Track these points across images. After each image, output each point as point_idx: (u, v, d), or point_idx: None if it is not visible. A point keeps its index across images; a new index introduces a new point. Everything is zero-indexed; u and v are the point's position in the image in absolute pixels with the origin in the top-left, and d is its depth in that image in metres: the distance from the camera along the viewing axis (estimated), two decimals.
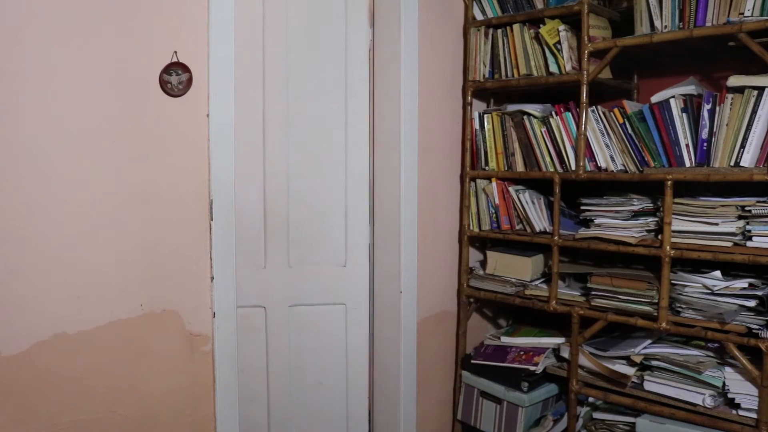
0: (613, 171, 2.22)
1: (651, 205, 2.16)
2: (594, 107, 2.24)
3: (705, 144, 1.99)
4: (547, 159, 2.37)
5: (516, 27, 2.40)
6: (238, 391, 1.99)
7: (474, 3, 2.52)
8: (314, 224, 2.41)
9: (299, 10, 2.31)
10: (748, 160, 1.91)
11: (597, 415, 2.27)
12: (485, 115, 2.52)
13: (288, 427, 2.38)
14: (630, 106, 2.17)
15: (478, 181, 2.56)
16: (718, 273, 1.99)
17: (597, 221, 2.25)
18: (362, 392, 2.43)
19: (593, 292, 2.24)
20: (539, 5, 2.37)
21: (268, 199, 2.34)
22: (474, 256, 2.69)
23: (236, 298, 2.10)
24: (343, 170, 2.40)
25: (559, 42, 2.28)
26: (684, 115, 2.03)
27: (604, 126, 2.22)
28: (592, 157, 2.25)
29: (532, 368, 2.37)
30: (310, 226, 2.41)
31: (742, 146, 1.91)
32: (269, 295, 2.34)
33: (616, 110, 2.19)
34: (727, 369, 1.97)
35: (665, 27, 2.08)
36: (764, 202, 1.90)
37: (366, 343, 2.42)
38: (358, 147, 2.37)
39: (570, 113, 2.30)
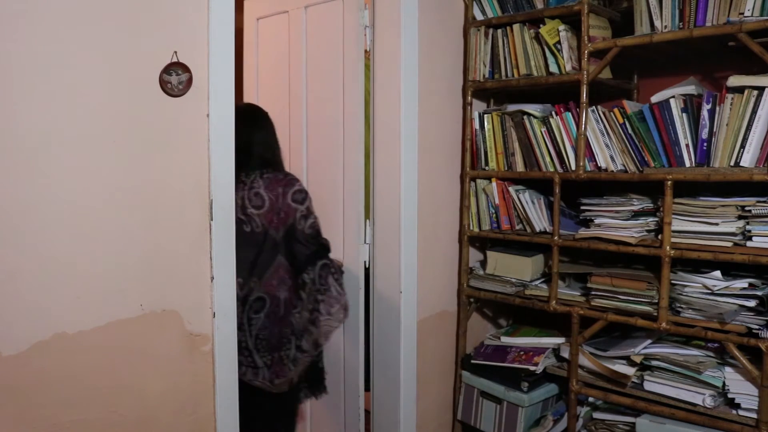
0: (613, 171, 2.22)
1: (651, 205, 2.16)
2: (594, 107, 2.24)
3: (705, 144, 1.99)
4: (547, 159, 2.37)
5: (516, 27, 2.40)
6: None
7: (474, 3, 2.52)
8: (326, 219, 2.44)
9: (313, 31, 2.46)
10: (748, 160, 1.91)
11: (597, 415, 2.27)
12: (485, 115, 2.52)
13: None
14: (630, 106, 2.17)
15: (478, 181, 2.56)
16: (718, 273, 1.99)
17: (597, 221, 2.25)
18: (354, 400, 2.43)
19: (593, 292, 2.24)
20: (539, 5, 2.37)
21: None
22: (474, 256, 2.69)
23: None
24: (341, 169, 2.40)
25: (559, 42, 2.28)
26: (684, 115, 2.03)
27: (604, 126, 2.22)
28: (592, 157, 2.25)
29: (532, 368, 2.37)
30: (324, 221, 2.44)
31: (742, 146, 1.91)
32: None
33: (616, 110, 2.19)
34: (727, 369, 1.97)
35: (665, 27, 2.08)
36: (764, 202, 1.90)
37: (357, 343, 2.41)
38: (353, 145, 2.37)
39: (570, 113, 2.30)
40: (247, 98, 2.76)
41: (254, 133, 2.11)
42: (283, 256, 2.05)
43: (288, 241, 2.04)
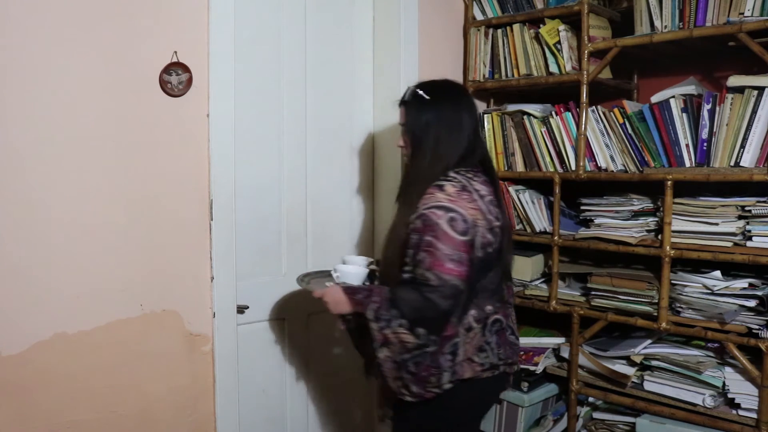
0: (613, 171, 2.22)
1: (651, 205, 2.16)
2: (594, 107, 2.24)
3: (705, 144, 1.99)
4: (547, 159, 2.37)
5: (516, 27, 2.40)
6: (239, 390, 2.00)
7: (474, 3, 2.52)
8: (324, 234, 2.39)
9: (315, 34, 2.30)
10: (748, 160, 1.91)
11: (597, 415, 2.27)
12: (485, 115, 2.51)
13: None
14: (630, 106, 2.17)
15: None
16: (718, 273, 1.99)
17: (597, 221, 2.25)
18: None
19: (593, 292, 2.23)
20: (539, 5, 2.37)
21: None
22: None
23: None
24: (341, 177, 2.39)
25: (559, 42, 2.28)
26: (684, 115, 2.03)
27: (604, 126, 2.22)
28: (592, 157, 2.25)
29: (532, 368, 2.37)
30: (320, 237, 2.37)
31: (742, 146, 1.91)
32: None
33: (616, 110, 2.19)
34: (727, 369, 1.97)
35: (665, 27, 2.08)
36: (764, 202, 1.90)
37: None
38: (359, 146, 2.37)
39: (570, 113, 2.30)
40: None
41: (473, 119, 1.70)
42: None
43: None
